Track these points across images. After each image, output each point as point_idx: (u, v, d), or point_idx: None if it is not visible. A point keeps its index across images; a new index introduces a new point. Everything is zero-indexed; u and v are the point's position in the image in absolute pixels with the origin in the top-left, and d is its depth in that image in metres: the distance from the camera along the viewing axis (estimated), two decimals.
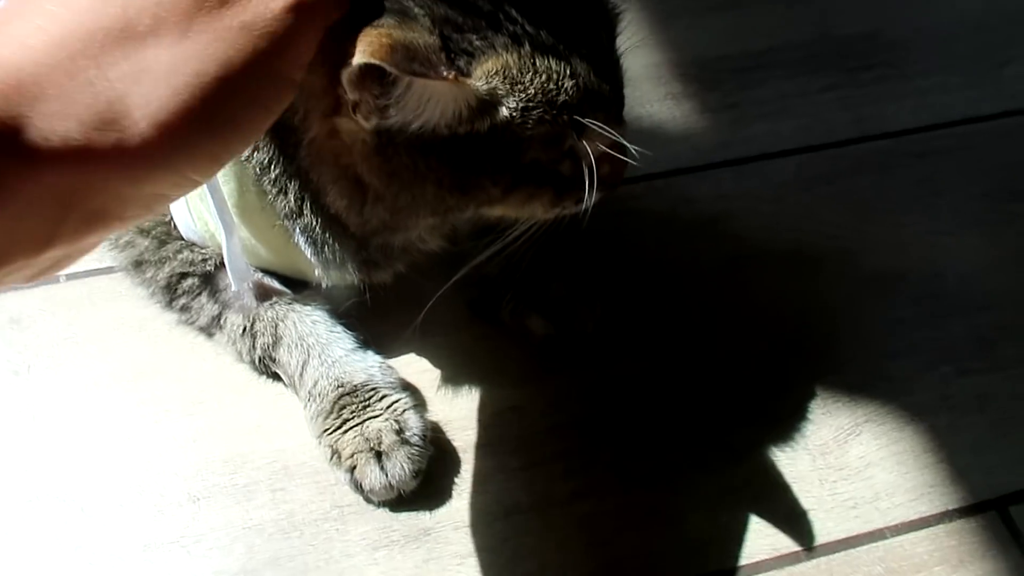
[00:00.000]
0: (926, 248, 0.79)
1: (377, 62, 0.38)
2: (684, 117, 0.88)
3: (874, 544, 0.62)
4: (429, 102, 0.42)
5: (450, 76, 0.40)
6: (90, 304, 0.70)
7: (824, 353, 0.72)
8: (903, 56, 0.94)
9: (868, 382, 0.70)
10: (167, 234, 0.64)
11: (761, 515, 0.63)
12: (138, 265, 0.65)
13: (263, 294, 0.64)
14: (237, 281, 0.60)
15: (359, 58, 0.38)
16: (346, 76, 0.40)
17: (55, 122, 0.28)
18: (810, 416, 0.68)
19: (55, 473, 0.62)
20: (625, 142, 0.47)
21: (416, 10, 0.41)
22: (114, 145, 0.29)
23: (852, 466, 0.66)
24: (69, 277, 0.71)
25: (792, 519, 0.63)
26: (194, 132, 0.31)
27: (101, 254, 0.68)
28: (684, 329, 0.73)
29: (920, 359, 0.72)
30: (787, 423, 0.68)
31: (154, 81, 0.30)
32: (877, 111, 0.89)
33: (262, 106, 0.34)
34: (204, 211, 0.60)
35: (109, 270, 0.70)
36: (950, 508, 0.64)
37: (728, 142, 0.86)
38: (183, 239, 0.64)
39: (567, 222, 0.54)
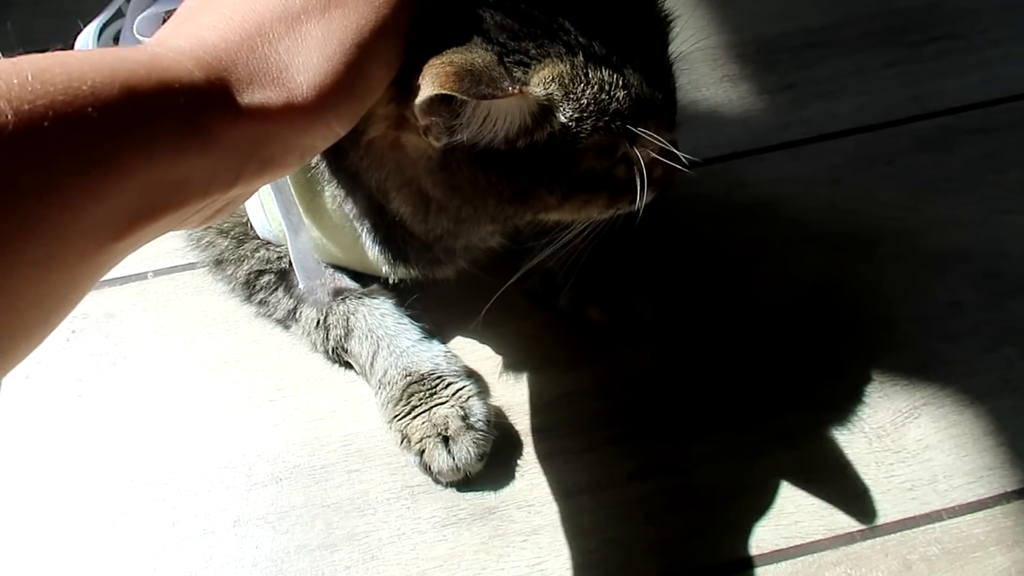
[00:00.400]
0: (988, 227, 0.78)
1: (447, 92, 0.40)
2: (740, 99, 0.88)
3: (931, 525, 0.63)
4: (497, 117, 0.44)
5: (515, 91, 0.42)
6: (176, 299, 0.75)
7: (882, 335, 0.72)
8: (968, 26, 0.92)
9: (927, 364, 0.70)
10: (244, 234, 0.68)
11: (816, 496, 0.64)
12: (219, 263, 0.69)
13: (335, 289, 0.68)
14: (305, 279, 0.64)
15: (428, 90, 0.40)
16: (417, 107, 0.42)
17: (243, 86, 0.36)
18: (866, 399, 0.69)
19: (152, 455, 0.67)
20: (675, 149, 0.48)
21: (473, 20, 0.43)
22: (285, 103, 0.36)
23: (909, 449, 0.66)
24: (156, 273, 0.76)
25: (847, 500, 0.64)
26: (341, 90, 0.38)
27: (184, 252, 0.73)
28: (739, 313, 0.74)
29: (981, 340, 0.72)
30: (843, 406, 0.68)
31: (309, 51, 0.37)
32: (938, 86, 0.87)
33: (386, 63, 0.41)
34: (277, 212, 0.63)
35: (191, 266, 0.74)
36: (1008, 490, 0.64)
37: (786, 123, 0.85)
38: (259, 238, 0.68)
39: (623, 218, 0.56)
